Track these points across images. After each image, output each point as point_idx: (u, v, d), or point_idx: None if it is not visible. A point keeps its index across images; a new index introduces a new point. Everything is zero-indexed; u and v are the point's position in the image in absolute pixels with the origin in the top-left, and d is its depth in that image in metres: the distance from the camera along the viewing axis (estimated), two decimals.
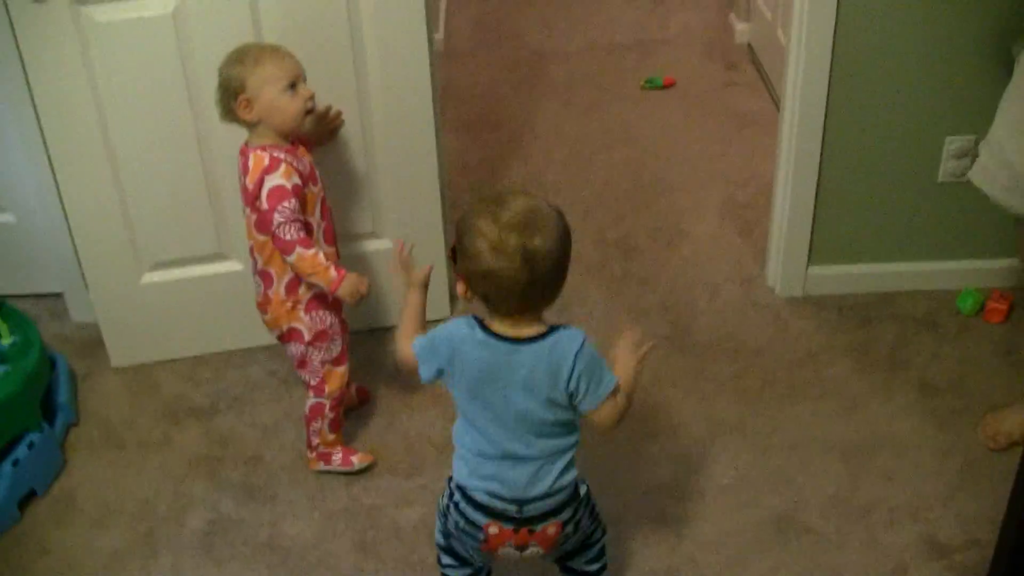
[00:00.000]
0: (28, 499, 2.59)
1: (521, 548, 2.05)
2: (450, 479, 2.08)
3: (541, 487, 1.99)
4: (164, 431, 2.80)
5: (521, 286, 1.83)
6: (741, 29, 4.57)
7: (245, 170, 2.38)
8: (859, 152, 3.03)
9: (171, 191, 2.80)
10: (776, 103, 4.10)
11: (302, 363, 2.57)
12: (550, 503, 2.01)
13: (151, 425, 2.82)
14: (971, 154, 3.00)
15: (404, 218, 2.93)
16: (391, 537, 2.50)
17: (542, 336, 1.92)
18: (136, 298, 2.91)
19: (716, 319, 3.15)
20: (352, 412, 2.81)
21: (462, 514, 2.04)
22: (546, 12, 4.98)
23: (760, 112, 4.12)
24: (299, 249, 2.34)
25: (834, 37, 2.85)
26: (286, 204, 2.33)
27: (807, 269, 3.20)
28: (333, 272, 2.38)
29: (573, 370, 1.91)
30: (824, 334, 3.09)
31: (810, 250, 3.17)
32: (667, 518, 2.54)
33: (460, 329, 1.94)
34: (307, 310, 2.51)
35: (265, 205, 2.34)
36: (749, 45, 4.51)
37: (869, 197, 3.10)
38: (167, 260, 2.90)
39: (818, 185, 3.07)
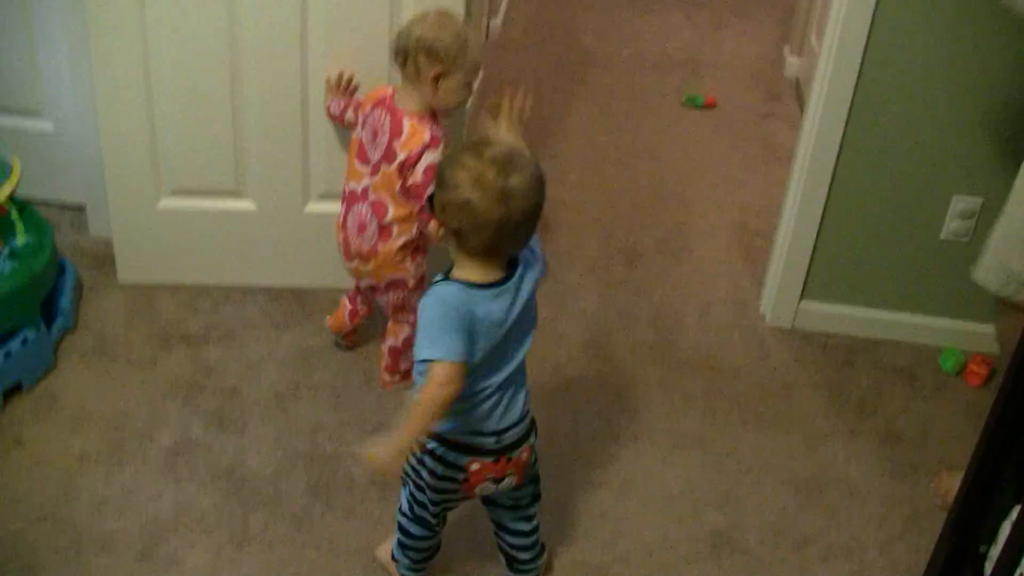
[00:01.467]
0: (13, 391, 2.72)
1: (498, 480, 2.14)
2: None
3: (515, 414, 2.11)
4: (154, 351, 2.92)
5: (495, 221, 1.90)
6: (791, 63, 4.62)
7: (396, 132, 2.52)
8: (866, 197, 3.09)
9: (200, 122, 2.91)
10: None
11: (401, 307, 2.75)
12: (521, 428, 2.14)
13: (143, 344, 2.95)
14: (976, 216, 3.06)
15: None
16: (344, 487, 2.60)
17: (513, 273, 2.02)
18: (152, 220, 3.03)
19: (702, 337, 3.22)
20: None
21: (441, 460, 2.09)
22: (603, 17, 5.07)
23: (792, 145, 4.17)
24: None
25: (857, 81, 2.92)
26: None
27: (799, 303, 3.26)
28: None
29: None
30: (803, 368, 3.15)
31: (805, 284, 3.24)
32: (609, 516, 2.62)
33: (457, 295, 1.96)
34: (412, 259, 2.67)
35: (420, 179, 2.49)
36: (797, 80, 4.56)
37: (870, 242, 3.16)
38: (186, 188, 3.02)
39: (821, 223, 3.14)
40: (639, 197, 3.82)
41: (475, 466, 2.10)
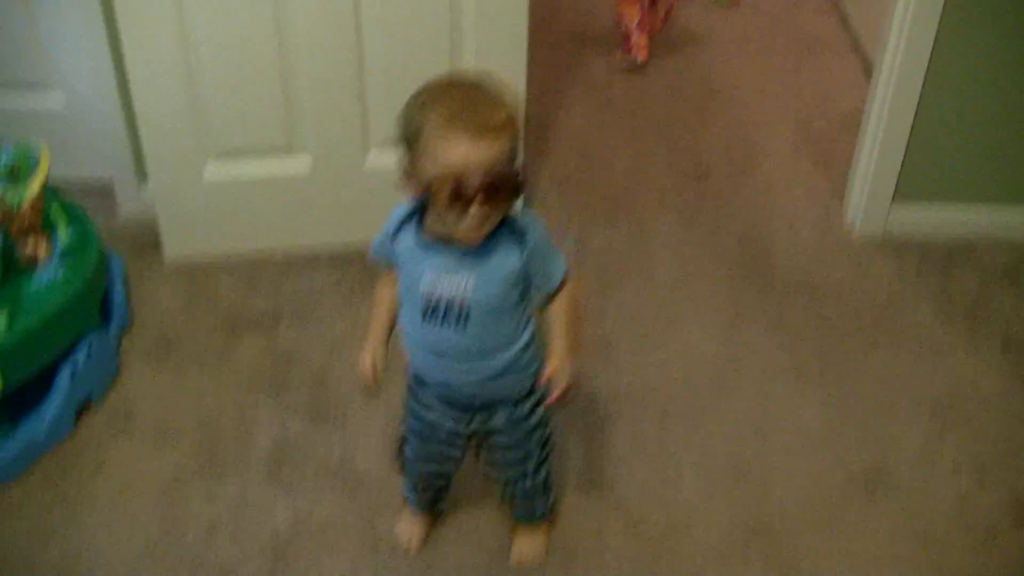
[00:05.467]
0: (83, 408, 2.43)
1: None
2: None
3: None
4: (223, 342, 2.63)
5: None
6: None
7: None
8: (962, 89, 2.87)
9: (245, 75, 2.61)
10: (845, 25, 3.93)
11: None
12: None
13: (209, 334, 2.65)
14: None
15: None
16: (469, 479, 2.32)
17: None
18: (198, 187, 2.74)
19: (794, 257, 3.01)
20: None
21: None
22: None
23: (829, 34, 3.95)
24: None
25: None
26: None
27: (891, 206, 3.05)
28: None
29: None
30: (905, 279, 2.96)
31: (896, 186, 3.03)
32: (753, 468, 2.43)
33: None
34: None
35: None
36: None
37: (966, 135, 2.95)
38: (234, 149, 2.72)
39: (915, 118, 2.91)
40: (688, 107, 3.57)
41: None
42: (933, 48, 2.80)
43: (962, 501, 2.39)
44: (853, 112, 3.24)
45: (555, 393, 1.89)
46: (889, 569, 2.24)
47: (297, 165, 2.75)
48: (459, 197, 1.66)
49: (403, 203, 1.83)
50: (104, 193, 2.95)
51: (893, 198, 3.05)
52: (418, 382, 1.98)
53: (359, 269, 2.83)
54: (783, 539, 2.29)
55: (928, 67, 2.83)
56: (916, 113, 2.91)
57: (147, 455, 2.37)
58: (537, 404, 1.99)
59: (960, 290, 2.94)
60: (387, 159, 2.72)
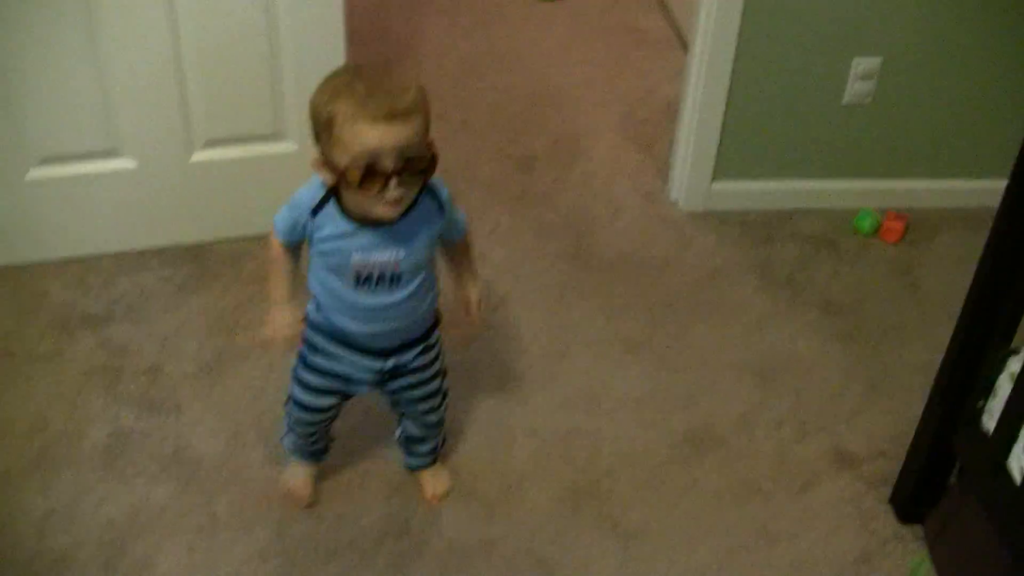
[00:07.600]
0: None
1: None
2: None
3: None
4: (56, 341, 2.62)
5: None
6: None
7: None
8: (769, 70, 3.02)
9: (60, 80, 2.58)
10: (668, 19, 4.08)
11: None
12: None
13: (40, 334, 2.63)
14: (876, 77, 3.04)
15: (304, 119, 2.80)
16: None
17: None
18: (23, 193, 2.71)
19: (620, 235, 3.12)
20: None
21: None
22: None
23: (652, 29, 4.08)
24: None
25: None
26: None
27: (711, 184, 3.19)
28: None
29: None
30: (727, 251, 3.09)
31: (715, 165, 3.17)
32: (582, 432, 2.52)
33: None
34: None
35: None
36: None
37: (775, 115, 3.10)
38: (57, 155, 2.70)
39: (727, 101, 3.05)
40: (515, 103, 3.65)
41: None
42: (739, 34, 2.94)
43: (783, 453, 2.50)
44: (676, 100, 3.37)
45: (475, 312, 2.14)
46: (715, 518, 2.34)
47: (122, 168, 2.75)
48: (375, 179, 1.76)
49: (305, 187, 1.91)
50: None
51: (713, 176, 3.18)
52: (328, 339, 2.05)
53: (189, 266, 2.86)
54: (612, 497, 2.37)
55: (736, 53, 2.97)
56: (728, 96, 3.05)
57: None
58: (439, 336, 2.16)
59: (780, 259, 3.08)
60: (213, 156, 2.78)
